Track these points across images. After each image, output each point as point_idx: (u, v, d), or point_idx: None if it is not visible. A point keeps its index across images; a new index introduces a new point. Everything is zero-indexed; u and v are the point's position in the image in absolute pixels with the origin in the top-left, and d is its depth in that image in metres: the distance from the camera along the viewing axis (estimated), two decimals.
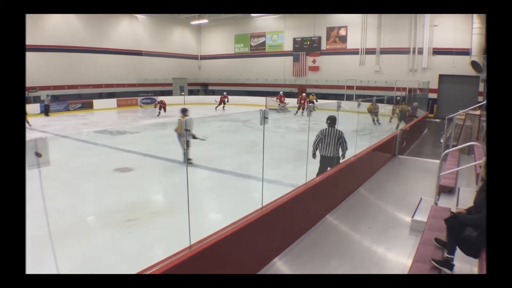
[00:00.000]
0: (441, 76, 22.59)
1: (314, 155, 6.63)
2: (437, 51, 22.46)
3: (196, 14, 29.90)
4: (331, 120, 6.58)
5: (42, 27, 23.04)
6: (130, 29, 28.92)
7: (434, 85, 22.50)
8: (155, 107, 22.59)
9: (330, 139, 6.47)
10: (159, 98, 24.21)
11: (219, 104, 24.61)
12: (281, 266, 4.22)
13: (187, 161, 8.60)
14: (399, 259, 4.49)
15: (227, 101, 24.88)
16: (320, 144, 6.55)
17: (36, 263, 4.27)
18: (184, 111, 8.85)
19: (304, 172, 5.59)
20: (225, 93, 25.72)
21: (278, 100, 24.23)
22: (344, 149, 6.58)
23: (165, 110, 21.76)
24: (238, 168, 8.44)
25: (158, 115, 21.24)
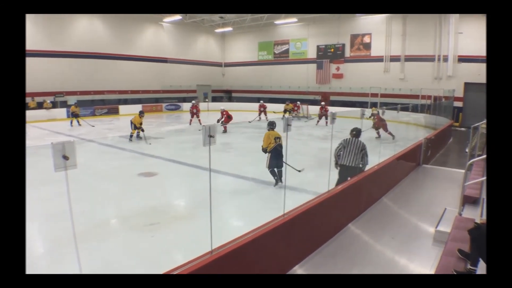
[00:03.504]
0: (466, 84, 22.09)
1: (337, 165, 6.51)
2: (462, 59, 22.00)
3: (221, 22, 30.25)
4: (356, 132, 6.50)
5: (68, 34, 23.85)
6: (155, 36, 29.51)
7: (460, 93, 22.04)
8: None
9: (352, 148, 6.33)
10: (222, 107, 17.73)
11: (259, 115, 21.88)
12: (301, 274, 4.21)
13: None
14: (421, 270, 4.42)
15: (265, 111, 22.14)
16: (341, 152, 6.42)
17: (57, 263, 4.41)
18: (271, 124, 8.19)
19: (326, 180, 5.58)
20: (261, 101, 23.18)
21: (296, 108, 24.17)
22: (365, 162, 6.43)
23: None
24: (260, 175, 8.47)
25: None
